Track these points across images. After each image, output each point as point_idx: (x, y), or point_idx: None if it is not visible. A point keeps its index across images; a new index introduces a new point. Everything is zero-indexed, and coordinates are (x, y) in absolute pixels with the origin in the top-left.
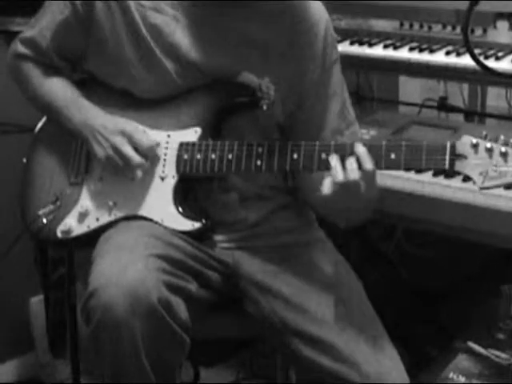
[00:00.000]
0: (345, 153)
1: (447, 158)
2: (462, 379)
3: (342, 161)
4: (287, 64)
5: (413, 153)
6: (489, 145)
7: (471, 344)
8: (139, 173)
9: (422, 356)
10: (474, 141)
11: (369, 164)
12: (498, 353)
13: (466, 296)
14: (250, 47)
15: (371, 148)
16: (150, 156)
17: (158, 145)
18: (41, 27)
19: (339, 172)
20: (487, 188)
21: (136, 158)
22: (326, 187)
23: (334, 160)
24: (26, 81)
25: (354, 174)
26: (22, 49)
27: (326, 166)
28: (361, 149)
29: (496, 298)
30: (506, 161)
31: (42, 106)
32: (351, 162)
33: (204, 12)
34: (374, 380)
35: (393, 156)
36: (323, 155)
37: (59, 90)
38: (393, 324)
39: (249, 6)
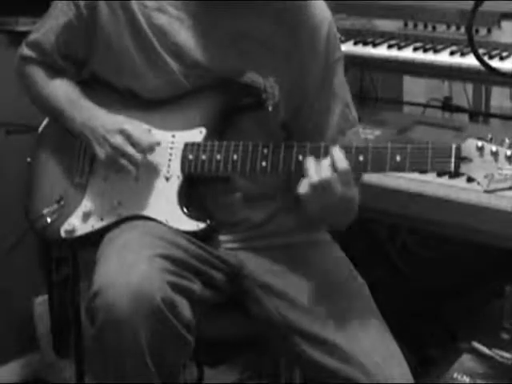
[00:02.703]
0: (320, 154)
1: (452, 160)
2: (467, 379)
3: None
4: (291, 63)
5: (418, 155)
6: (494, 148)
7: (476, 344)
8: (140, 172)
9: (426, 356)
10: (480, 144)
11: (342, 163)
12: (502, 353)
13: (470, 296)
14: (253, 47)
15: (376, 150)
16: (155, 154)
17: (158, 144)
18: (45, 29)
19: (313, 172)
20: (492, 191)
21: (138, 156)
22: (302, 187)
23: (309, 161)
24: (30, 83)
25: (326, 172)
26: (27, 51)
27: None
28: (335, 150)
29: (500, 298)
30: (511, 164)
31: (45, 107)
32: (325, 162)
33: (208, 12)
34: (379, 380)
35: (398, 158)
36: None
37: (61, 91)
38: (397, 324)
39: (252, 5)
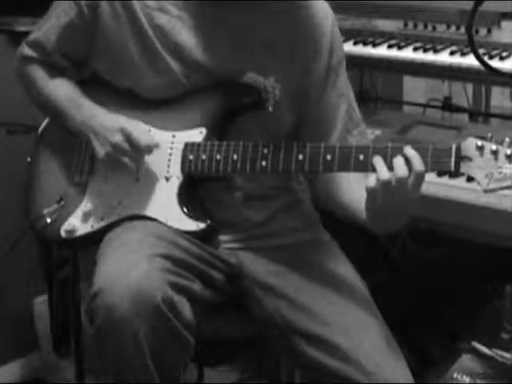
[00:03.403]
0: (386, 154)
1: (452, 160)
2: (467, 379)
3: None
4: (294, 63)
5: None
6: (494, 147)
7: (476, 344)
8: (141, 171)
9: (426, 356)
10: (479, 143)
11: (420, 166)
12: (502, 353)
13: (470, 296)
14: (255, 46)
15: (376, 150)
16: (155, 154)
17: (157, 145)
18: (46, 29)
19: (384, 170)
20: (492, 190)
21: (136, 156)
22: (371, 182)
23: (378, 161)
24: (31, 83)
25: (402, 171)
26: (28, 51)
27: (330, 168)
28: (411, 151)
29: (501, 298)
30: (511, 163)
31: (45, 107)
32: (399, 160)
33: (209, 12)
34: (379, 380)
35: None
36: (328, 156)
37: (62, 90)
38: (397, 324)
39: (254, 5)
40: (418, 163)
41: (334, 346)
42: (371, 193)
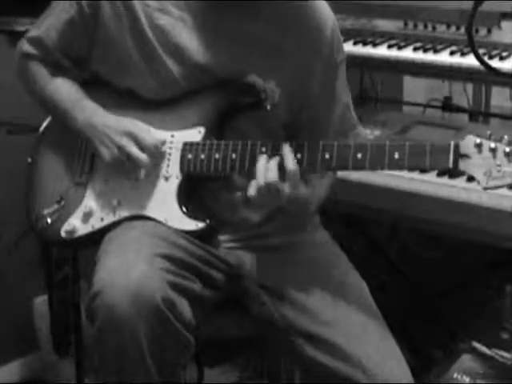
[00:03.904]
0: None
1: (451, 157)
2: (467, 379)
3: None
4: (293, 65)
5: (416, 153)
6: (493, 145)
7: (476, 344)
8: (143, 172)
9: (426, 356)
10: (478, 140)
11: (290, 164)
12: (502, 353)
13: (470, 296)
14: (256, 48)
15: (374, 148)
16: (156, 155)
17: (163, 143)
18: (47, 26)
19: (261, 173)
20: (491, 188)
21: (144, 157)
22: (251, 189)
23: (260, 160)
24: (32, 80)
25: (272, 174)
26: (28, 48)
27: (328, 166)
28: (285, 149)
29: (501, 298)
30: (509, 161)
31: (47, 105)
32: (272, 163)
33: (210, 13)
34: (379, 380)
35: (396, 156)
36: (327, 155)
37: (64, 90)
38: (397, 324)
39: (255, 6)
40: (288, 162)
41: (334, 346)
42: (253, 200)
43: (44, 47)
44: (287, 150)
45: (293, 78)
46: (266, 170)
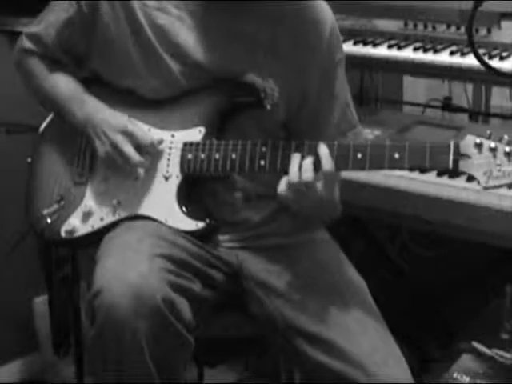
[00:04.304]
0: (304, 152)
1: (451, 157)
2: (467, 379)
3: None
4: (292, 64)
5: (416, 152)
6: (493, 144)
7: (475, 344)
8: (141, 171)
9: (426, 356)
10: (478, 140)
11: (328, 165)
12: (502, 353)
13: (470, 296)
14: (254, 47)
15: (374, 148)
16: (154, 154)
17: (160, 142)
18: (46, 24)
19: (295, 172)
20: (491, 188)
21: (135, 157)
22: (282, 187)
23: (295, 158)
24: (31, 75)
25: (307, 174)
26: (28, 44)
27: None
28: (322, 149)
29: (500, 298)
30: (509, 160)
31: (45, 100)
32: (307, 163)
33: (209, 12)
34: (379, 380)
35: (396, 156)
36: None
37: (63, 84)
38: (397, 324)
39: (254, 6)
40: (326, 163)
41: (334, 346)
42: (281, 197)
43: (43, 44)
44: (324, 150)
45: (291, 77)
46: (300, 168)
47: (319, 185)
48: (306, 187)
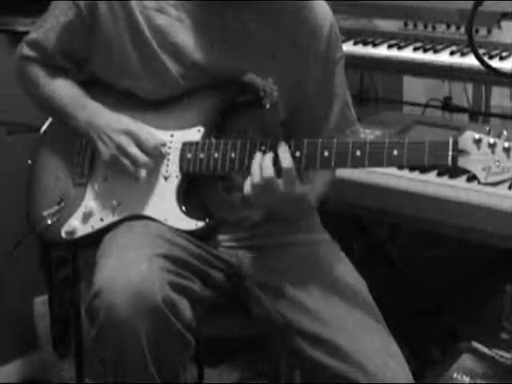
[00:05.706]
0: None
1: (450, 153)
2: (467, 379)
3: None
4: (291, 63)
5: (415, 149)
6: (491, 140)
7: (475, 344)
8: (143, 172)
9: (426, 356)
10: (477, 136)
11: (286, 162)
12: (502, 353)
13: (470, 296)
14: (253, 47)
15: (373, 145)
16: (155, 155)
17: (163, 144)
18: (45, 29)
19: (256, 171)
20: (490, 184)
21: (142, 157)
22: (246, 187)
23: (256, 158)
24: (31, 82)
25: (267, 171)
26: (27, 51)
27: (328, 164)
28: (280, 146)
29: (500, 298)
30: (508, 156)
31: (47, 106)
32: (266, 160)
33: (208, 12)
34: (379, 380)
35: (395, 153)
36: (325, 153)
37: (64, 89)
38: (397, 324)
39: (253, 6)
40: (283, 160)
41: (334, 346)
42: (247, 197)
43: (43, 50)
44: (283, 148)
45: (289, 77)
46: (261, 167)
47: (280, 182)
48: (268, 184)
